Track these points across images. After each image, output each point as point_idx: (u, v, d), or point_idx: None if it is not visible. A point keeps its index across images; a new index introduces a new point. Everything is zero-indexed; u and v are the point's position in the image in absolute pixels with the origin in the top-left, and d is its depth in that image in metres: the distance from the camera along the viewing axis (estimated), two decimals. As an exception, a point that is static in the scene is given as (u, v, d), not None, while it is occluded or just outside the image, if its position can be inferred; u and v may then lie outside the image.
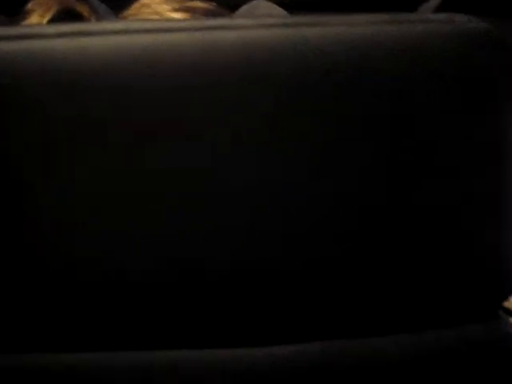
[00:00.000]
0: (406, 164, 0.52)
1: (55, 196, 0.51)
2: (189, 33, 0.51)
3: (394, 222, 0.53)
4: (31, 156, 0.51)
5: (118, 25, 0.52)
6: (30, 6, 0.81)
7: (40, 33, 0.52)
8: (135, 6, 0.81)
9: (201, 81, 0.51)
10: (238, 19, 0.52)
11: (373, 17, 0.52)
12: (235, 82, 0.51)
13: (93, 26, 0.53)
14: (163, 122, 0.51)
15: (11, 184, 0.51)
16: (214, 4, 0.85)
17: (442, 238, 0.53)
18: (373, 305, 0.54)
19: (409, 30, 0.51)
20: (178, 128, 0.51)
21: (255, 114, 0.51)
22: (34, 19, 0.78)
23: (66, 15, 0.78)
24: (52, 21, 0.76)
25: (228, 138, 0.51)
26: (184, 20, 0.53)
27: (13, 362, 0.53)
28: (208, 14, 0.82)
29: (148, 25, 0.52)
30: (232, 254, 0.52)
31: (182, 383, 0.53)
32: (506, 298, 0.56)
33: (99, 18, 0.80)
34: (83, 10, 0.80)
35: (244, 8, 1.17)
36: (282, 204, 0.52)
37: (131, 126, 0.51)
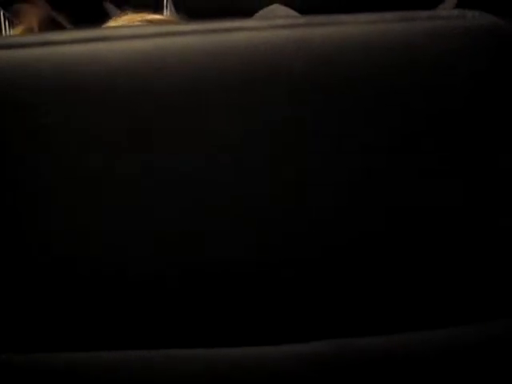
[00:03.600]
0: (418, 160, 0.52)
1: (60, 197, 0.52)
2: (198, 35, 0.51)
3: (411, 217, 0.52)
4: (43, 158, 0.51)
5: (129, 30, 0.53)
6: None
7: (55, 40, 0.53)
8: None
9: (212, 83, 0.51)
10: (246, 21, 0.52)
11: (381, 15, 0.52)
12: (246, 83, 0.51)
13: (105, 31, 0.53)
14: (174, 125, 0.51)
15: (18, 184, 0.52)
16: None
17: (463, 232, 0.53)
18: (389, 301, 0.53)
19: (419, 27, 0.51)
20: (188, 131, 0.51)
21: (265, 115, 0.51)
22: None
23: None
24: None
25: (238, 141, 0.51)
26: (193, 23, 0.53)
27: (18, 361, 0.53)
28: None
29: (158, 29, 0.52)
30: (240, 253, 0.52)
31: (191, 381, 0.53)
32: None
33: None
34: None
35: (261, 12, 1.17)
36: (291, 204, 0.52)
37: (143, 130, 0.51)
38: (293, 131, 0.51)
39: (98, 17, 0.94)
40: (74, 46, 0.52)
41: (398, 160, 0.52)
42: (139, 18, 0.83)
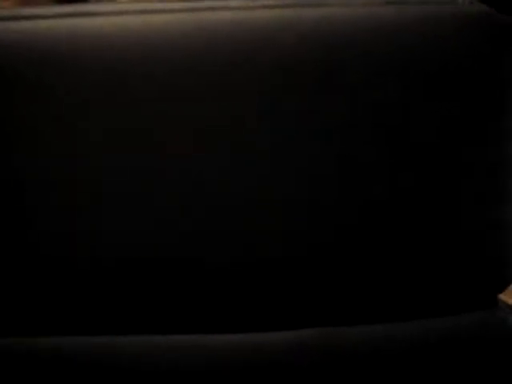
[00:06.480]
0: (412, 146, 0.52)
1: (59, 181, 0.51)
2: (185, 13, 0.51)
3: (397, 211, 0.52)
4: (30, 134, 0.51)
5: (116, 6, 0.53)
6: None
7: (43, 14, 0.52)
8: None
9: (197, 61, 0.50)
10: (234, 0, 0.52)
11: None
12: (232, 61, 0.50)
13: (92, 7, 0.53)
14: (156, 100, 0.51)
15: (15, 159, 0.51)
16: None
17: (442, 227, 0.53)
18: (371, 293, 0.53)
19: (408, 10, 0.51)
20: (170, 109, 0.51)
21: (251, 95, 0.51)
22: None
23: None
24: None
25: (222, 120, 0.51)
26: (177, 2, 0.52)
27: (6, 345, 0.53)
28: None
29: (143, 6, 0.52)
30: (237, 245, 0.52)
31: (178, 366, 0.53)
32: (506, 287, 0.55)
33: None
34: None
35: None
36: (285, 194, 0.51)
37: (127, 103, 0.51)
38: (280, 112, 0.51)
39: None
40: (59, 20, 0.52)
41: (386, 143, 0.52)
42: None
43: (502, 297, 0.57)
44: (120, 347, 0.53)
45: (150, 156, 0.51)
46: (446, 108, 0.51)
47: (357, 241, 0.52)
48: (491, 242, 0.54)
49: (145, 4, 0.52)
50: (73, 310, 0.52)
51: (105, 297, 0.52)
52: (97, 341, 0.53)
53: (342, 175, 0.51)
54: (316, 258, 0.52)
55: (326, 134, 0.51)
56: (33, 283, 0.52)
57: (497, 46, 0.51)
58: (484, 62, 0.51)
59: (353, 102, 0.51)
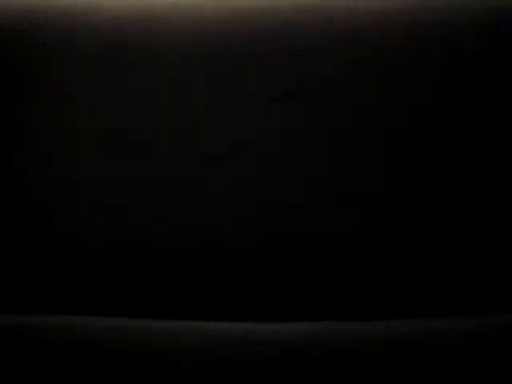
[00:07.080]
0: (430, 131, 0.51)
1: (60, 154, 0.51)
2: None
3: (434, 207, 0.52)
4: (36, 114, 0.51)
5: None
6: None
7: None
8: None
9: (217, 44, 0.50)
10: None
11: None
12: (252, 48, 0.50)
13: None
14: (177, 79, 0.51)
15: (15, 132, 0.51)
16: None
17: (478, 223, 0.53)
18: (390, 288, 0.53)
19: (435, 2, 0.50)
20: (189, 90, 0.51)
21: (268, 81, 0.50)
22: None
23: None
24: None
25: (237, 98, 0.51)
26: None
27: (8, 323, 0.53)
28: None
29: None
30: (248, 232, 0.52)
31: (185, 352, 0.53)
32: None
33: None
34: None
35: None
36: (296, 179, 0.51)
37: (145, 84, 0.51)
38: (302, 96, 0.51)
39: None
40: None
41: (413, 130, 0.51)
42: None
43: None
44: (128, 329, 0.53)
45: (155, 137, 0.51)
46: (474, 94, 0.51)
47: (384, 233, 0.52)
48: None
49: None
50: (85, 291, 0.52)
51: (116, 280, 0.52)
52: (106, 322, 0.53)
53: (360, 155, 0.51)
54: (337, 251, 0.52)
55: (349, 110, 0.51)
56: (42, 263, 0.52)
57: None
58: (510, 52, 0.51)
59: (376, 82, 0.50)
